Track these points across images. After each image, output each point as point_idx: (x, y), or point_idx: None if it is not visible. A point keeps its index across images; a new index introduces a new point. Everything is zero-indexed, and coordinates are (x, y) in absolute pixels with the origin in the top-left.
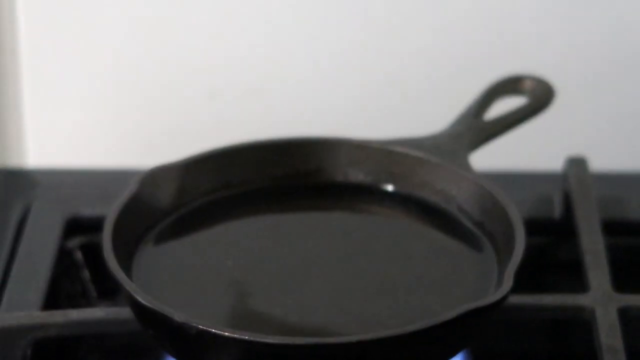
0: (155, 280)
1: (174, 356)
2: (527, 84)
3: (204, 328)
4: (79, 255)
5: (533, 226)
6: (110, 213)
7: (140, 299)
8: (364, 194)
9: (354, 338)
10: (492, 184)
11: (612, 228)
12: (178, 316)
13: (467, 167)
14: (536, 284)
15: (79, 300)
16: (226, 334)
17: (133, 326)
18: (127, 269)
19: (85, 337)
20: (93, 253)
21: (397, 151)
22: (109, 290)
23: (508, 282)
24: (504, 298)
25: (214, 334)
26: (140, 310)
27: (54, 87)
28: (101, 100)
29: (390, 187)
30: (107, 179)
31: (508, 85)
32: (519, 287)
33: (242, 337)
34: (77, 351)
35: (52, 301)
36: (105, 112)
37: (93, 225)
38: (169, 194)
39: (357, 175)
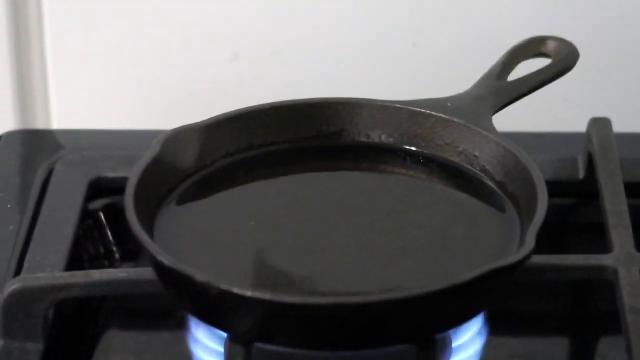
0: (177, 241)
1: (196, 316)
2: (551, 45)
3: (226, 288)
4: (102, 216)
5: (556, 187)
6: (132, 174)
7: (162, 259)
8: (386, 155)
9: (375, 298)
10: (514, 144)
11: (636, 189)
12: (200, 276)
13: (490, 128)
14: (559, 246)
15: (101, 261)
16: (248, 293)
17: (155, 287)
18: (149, 230)
19: (107, 298)
20: (116, 215)
21: (419, 112)
22: (132, 252)
23: (530, 243)
24: (526, 258)
25: (236, 293)
26: (162, 270)
27: (78, 50)
28: (124, 63)
29: (412, 148)
30: (131, 140)
31: (531, 47)
32: (541, 248)
33: (264, 296)
34: (98, 313)
35: (75, 263)
36: (129, 75)
37: (116, 187)
38: (190, 155)
39: (379, 136)
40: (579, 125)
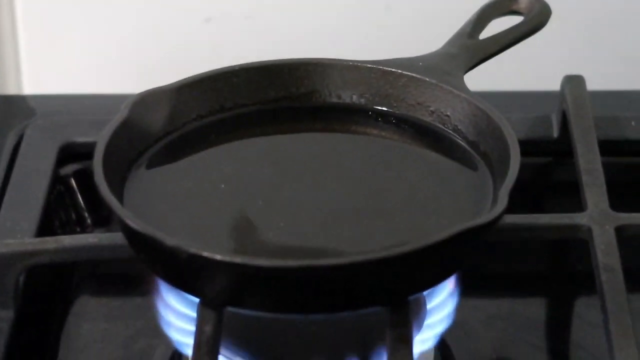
0: (147, 205)
1: (166, 281)
2: (523, 3)
3: (195, 252)
4: (73, 182)
5: (531, 146)
6: (101, 138)
7: (131, 223)
8: (357, 116)
9: (346, 260)
10: (486, 103)
11: (610, 147)
12: (169, 240)
13: (461, 87)
14: (534, 205)
15: (73, 228)
16: (217, 257)
17: (126, 252)
18: (118, 194)
19: (79, 265)
20: (87, 180)
21: (390, 71)
22: (104, 218)
23: (502, 202)
24: (498, 218)
25: (205, 257)
26: (131, 235)
27: (48, 15)
28: (95, 27)
29: (384, 108)
30: (102, 105)
31: (503, 4)
32: (516, 208)
33: (234, 260)
34: (70, 279)
35: (46, 229)
36: (100, 39)
37: (87, 152)
38: (160, 118)
39: (350, 97)
40: (553, 84)
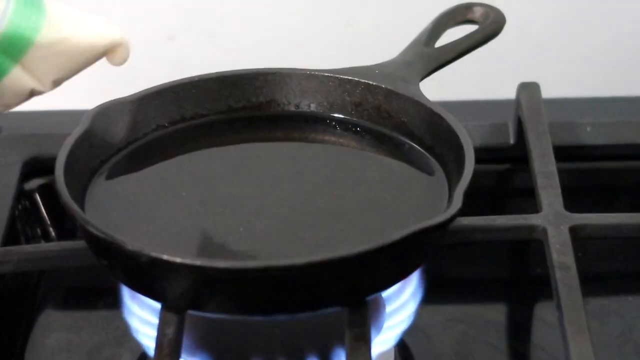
0: (109, 213)
1: (128, 286)
2: (478, 12)
3: (156, 255)
4: (37, 197)
5: (488, 153)
6: (62, 148)
7: (92, 229)
8: (316, 124)
9: (303, 260)
10: (441, 108)
11: (565, 153)
12: (130, 245)
13: (417, 93)
14: (494, 211)
15: (38, 242)
16: (178, 260)
17: (88, 259)
18: (80, 202)
19: (44, 277)
20: (52, 195)
21: (347, 79)
22: (68, 232)
23: (457, 202)
24: (452, 218)
25: (166, 260)
26: (93, 240)
27: None
28: None
29: (342, 116)
30: (66, 120)
31: (458, 13)
32: (476, 214)
33: (193, 262)
34: (36, 291)
35: (11, 243)
36: None
37: (52, 167)
38: (121, 128)
39: (308, 105)
40: (509, 92)
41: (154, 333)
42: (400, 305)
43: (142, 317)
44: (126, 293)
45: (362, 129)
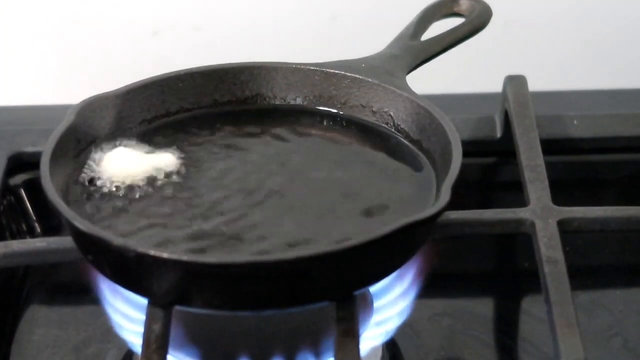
0: (95, 208)
1: (114, 282)
2: (464, 5)
3: (142, 251)
4: (22, 192)
5: (475, 147)
6: (48, 143)
7: (78, 224)
8: (302, 117)
9: (290, 255)
10: (428, 101)
11: (553, 146)
12: (116, 240)
13: (404, 87)
14: (481, 204)
15: (23, 237)
16: (164, 255)
17: (74, 255)
18: (66, 198)
19: (30, 273)
20: (37, 190)
21: (333, 73)
22: (54, 228)
23: (445, 196)
24: (440, 212)
25: (152, 256)
26: (79, 236)
27: None
28: (46, 38)
29: (328, 110)
30: (51, 115)
31: (444, 6)
32: (463, 207)
33: (180, 258)
34: (22, 288)
35: None
36: (50, 51)
37: (37, 162)
38: (106, 123)
39: (295, 99)
40: (496, 85)
41: (138, 329)
42: (391, 301)
43: (127, 313)
44: (109, 289)
45: (348, 122)
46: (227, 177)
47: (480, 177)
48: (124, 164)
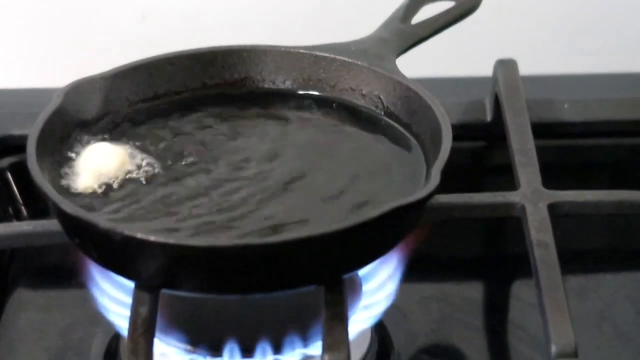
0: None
1: (101, 265)
2: None
3: (129, 234)
4: (9, 175)
5: (465, 131)
6: (34, 126)
7: (65, 207)
8: (291, 101)
9: (279, 238)
10: (418, 84)
11: (543, 130)
12: (103, 223)
13: (394, 70)
14: (472, 188)
15: (10, 220)
16: (151, 238)
17: (60, 238)
18: (53, 181)
19: (16, 257)
20: (24, 173)
21: (323, 56)
22: (41, 211)
23: (435, 180)
24: (430, 195)
25: (139, 239)
26: (66, 219)
27: None
28: (32, 22)
29: (318, 93)
30: (38, 98)
31: None
32: (453, 190)
33: (167, 241)
34: (7, 271)
35: None
36: (37, 35)
37: (23, 145)
38: (94, 105)
39: (284, 82)
40: (486, 69)
41: (125, 312)
42: (379, 285)
43: (113, 296)
44: (96, 272)
45: (337, 105)
46: (213, 161)
47: (470, 160)
48: (101, 163)
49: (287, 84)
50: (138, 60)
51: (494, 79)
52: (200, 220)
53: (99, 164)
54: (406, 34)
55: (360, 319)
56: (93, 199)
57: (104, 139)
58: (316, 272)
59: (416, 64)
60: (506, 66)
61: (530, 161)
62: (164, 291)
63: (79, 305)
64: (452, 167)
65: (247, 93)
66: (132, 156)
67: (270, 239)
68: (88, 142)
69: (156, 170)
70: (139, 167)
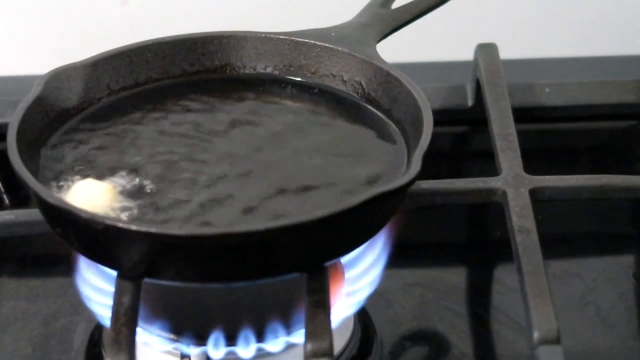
0: (63, 179)
1: (84, 254)
2: None
3: (110, 223)
4: None
5: (447, 116)
6: (15, 115)
7: (46, 197)
8: (272, 87)
9: (260, 226)
10: (398, 70)
11: (524, 115)
12: (84, 212)
13: (374, 55)
14: (453, 174)
15: None
16: (133, 227)
17: (42, 228)
18: (34, 170)
19: None
20: (5, 162)
21: (303, 42)
22: (22, 200)
23: (416, 166)
24: (411, 182)
25: (120, 228)
26: (47, 209)
27: None
28: (12, 8)
29: (298, 79)
30: (18, 86)
31: None
32: (435, 176)
33: (149, 230)
34: None
35: None
36: (16, 20)
37: (3, 133)
38: (74, 93)
39: (264, 68)
40: (468, 54)
41: (108, 302)
42: (362, 271)
43: (96, 285)
44: (78, 261)
45: (318, 91)
46: (194, 148)
47: (451, 146)
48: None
49: (268, 70)
50: (118, 48)
51: (474, 64)
52: (182, 208)
53: (85, 205)
54: (386, 19)
55: (343, 306)
56: None
57: (84, 127)
58: (298, 260)
59: (397, 49)
60: (487, 50)
61: (512, 146)
62: (147, 280)
63: (62, 293)
64: (433, 152)
65: (228, 79)
66: (113, 144)
67: (252, 228)
68: (69, 131)
69: (136, 157)
70: (119, 155)
